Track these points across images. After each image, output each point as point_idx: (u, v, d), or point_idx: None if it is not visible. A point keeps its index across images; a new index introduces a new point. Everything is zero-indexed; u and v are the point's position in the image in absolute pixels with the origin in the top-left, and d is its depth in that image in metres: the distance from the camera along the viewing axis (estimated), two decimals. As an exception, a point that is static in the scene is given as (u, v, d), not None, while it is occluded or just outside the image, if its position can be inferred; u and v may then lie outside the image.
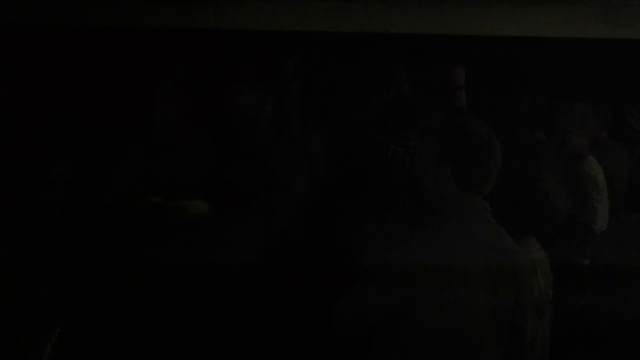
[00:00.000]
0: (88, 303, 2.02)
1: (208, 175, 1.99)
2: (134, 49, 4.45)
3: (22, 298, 2.03)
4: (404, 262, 2.04)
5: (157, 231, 1.91)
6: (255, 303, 2.11)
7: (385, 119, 3.25)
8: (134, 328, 1.93)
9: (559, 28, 3.23)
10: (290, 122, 3.12)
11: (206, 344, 1.91)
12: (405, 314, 2.07)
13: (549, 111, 3.41)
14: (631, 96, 3.50)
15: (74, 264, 2.22)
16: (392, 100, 4.01)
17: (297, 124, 3.28)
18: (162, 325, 1.94)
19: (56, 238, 2.28)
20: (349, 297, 2.10)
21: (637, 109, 3.42)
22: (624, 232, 3.06)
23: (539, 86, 3.57)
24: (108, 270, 2.13)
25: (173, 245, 1.94)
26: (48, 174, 2.74)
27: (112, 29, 4.31)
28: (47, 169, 2.83)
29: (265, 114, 2.99)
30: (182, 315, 1.92)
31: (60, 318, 1.92)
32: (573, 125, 3.18)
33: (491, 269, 2.13)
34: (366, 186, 2.88)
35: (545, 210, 2.71)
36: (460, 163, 2.15)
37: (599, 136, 3.63)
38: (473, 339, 2.12)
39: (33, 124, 3.02)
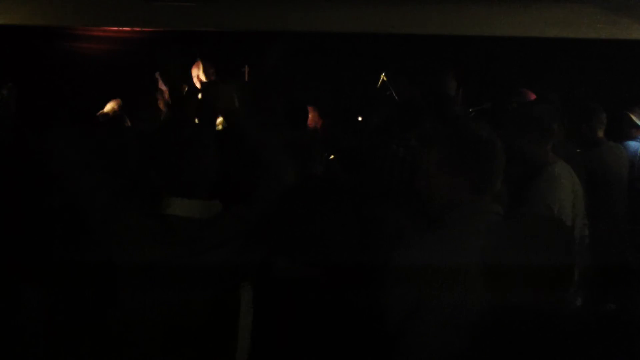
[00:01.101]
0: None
1: (213, 174, 1.98)
2: (134, 49, 4.46)
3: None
4: (410, 264, 2.04)
5: (170, 230, 1.90)
6: (264, 303, 2.11)
7: (386, 119, 3.25)
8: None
9: (559, 28, 3.24)
10: (290, 121, 3.12)
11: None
12: (412, 315, 2.07)
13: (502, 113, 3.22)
14: (631, 96, 3.51)
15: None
16: (391, 101, 4.02)
17: (296, 123, 3.27)
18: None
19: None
20: (375, 297, 2.10)
21: (637, 108, 3.42)
22: (623, 232, 3.06)
23: (538, 86, 3.57)
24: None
25: (185, 244, 1.94)
26: (52, 175, 2.73)
27: (112, 29, 4.32)
28: (49, 169, 2.82)
29: (264, 113, 2.99)
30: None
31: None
32: (522, 130, 2.90)
33: (496, 270, 2.13)
34: (367, 187, 2.88)
35: None
36: (469, 166, 2.14)
37: (597, 136, 3.63)
38: (478, 339, 2.12)
39: (33, 123, 3.01)
